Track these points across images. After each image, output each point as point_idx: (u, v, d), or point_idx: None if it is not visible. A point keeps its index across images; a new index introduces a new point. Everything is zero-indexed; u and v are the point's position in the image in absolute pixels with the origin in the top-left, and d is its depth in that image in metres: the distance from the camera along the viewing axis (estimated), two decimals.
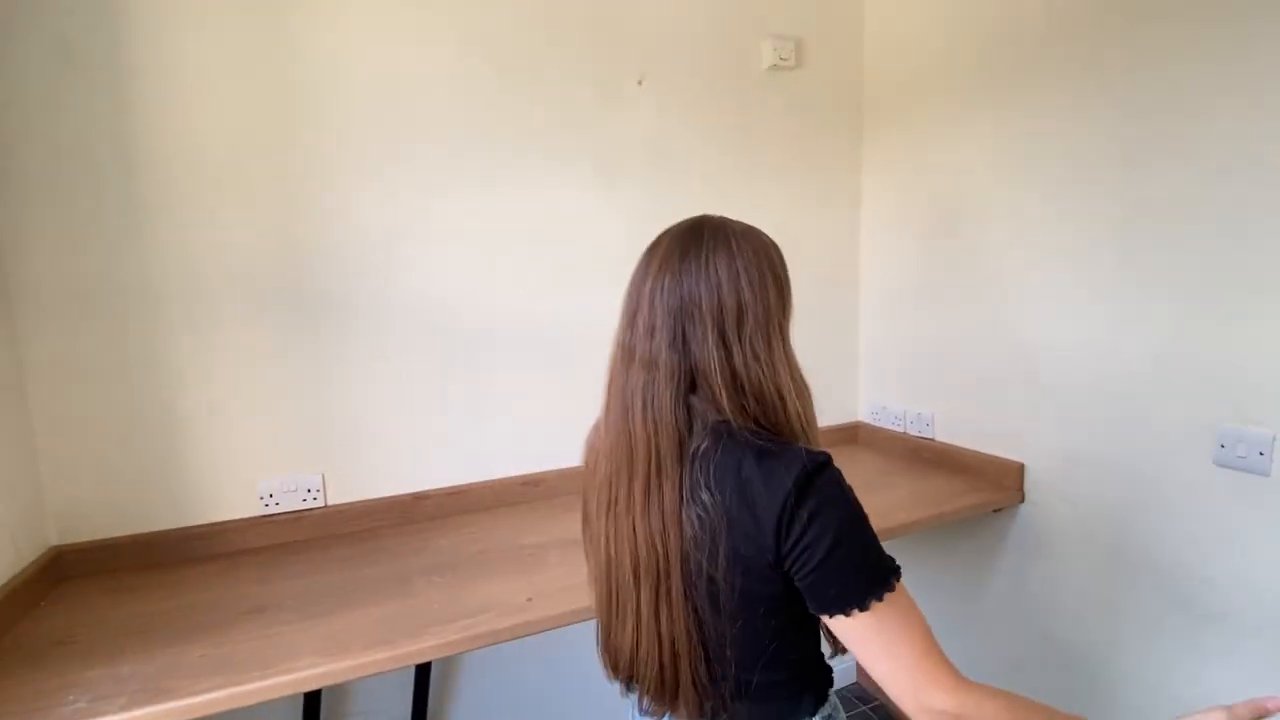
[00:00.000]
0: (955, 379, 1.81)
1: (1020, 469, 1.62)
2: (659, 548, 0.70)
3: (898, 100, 1.92)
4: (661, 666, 0.73)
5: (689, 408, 0.71)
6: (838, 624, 0.66)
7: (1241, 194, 1.15)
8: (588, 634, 1.66)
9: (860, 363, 2.16)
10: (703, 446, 0.69)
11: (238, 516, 1.40)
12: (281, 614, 1.11)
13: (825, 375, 2.11)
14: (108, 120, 1.23)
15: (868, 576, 0.65)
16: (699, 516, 0.67)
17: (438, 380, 1.56)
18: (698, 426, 0.70)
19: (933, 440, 1.88)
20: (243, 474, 1.40)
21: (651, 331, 0.72)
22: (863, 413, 2.17)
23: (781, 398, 0.73)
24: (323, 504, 1.47)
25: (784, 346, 0.77)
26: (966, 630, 1.83)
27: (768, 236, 0.80)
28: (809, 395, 0.78)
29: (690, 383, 0.71)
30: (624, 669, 0.80)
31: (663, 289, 0.72)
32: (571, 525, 1.45)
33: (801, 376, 0.78)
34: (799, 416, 0.74)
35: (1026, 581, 1.64)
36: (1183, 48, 1.22)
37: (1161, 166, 1.27)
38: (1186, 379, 1.26)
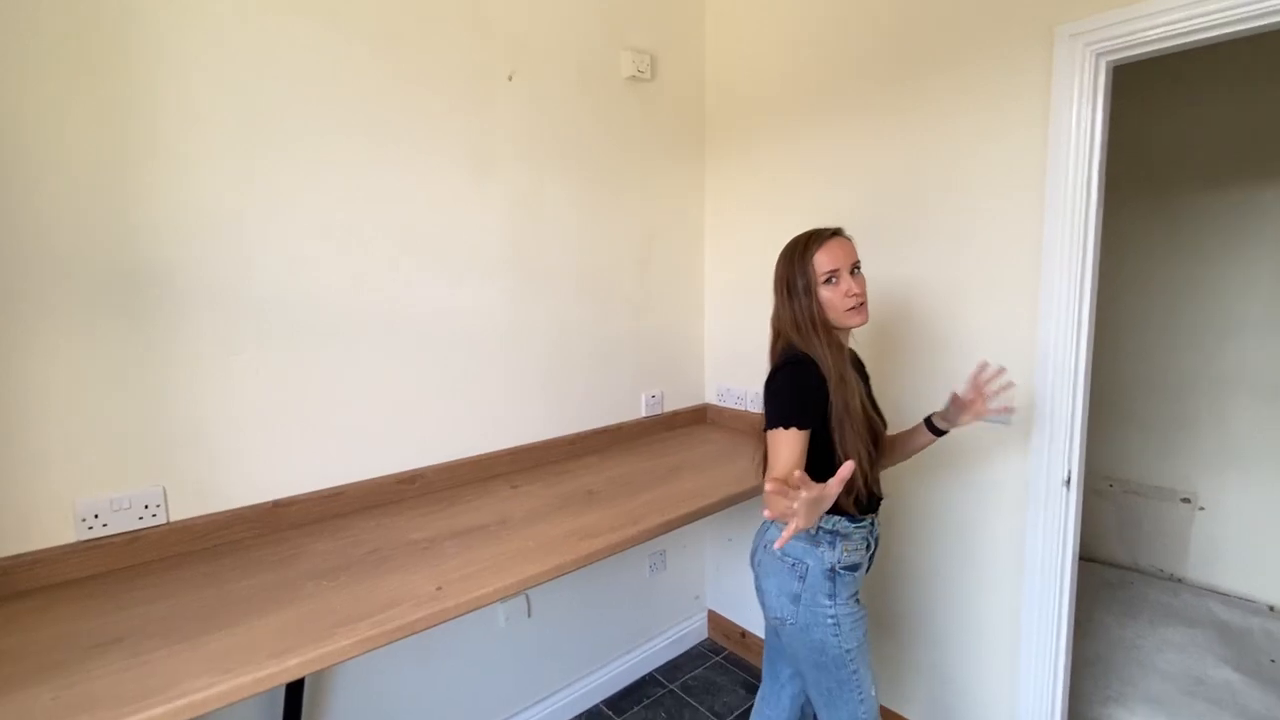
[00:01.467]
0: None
1: None
2: None
3: (733, 115, 2.18)
4: None
5: None
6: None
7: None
8: (454, 636, 1.68)
9: (706, 349, 2.40)
10: None
11: (50, 545, 1.18)
12: (145, 642, 0.98)
13: (677, 362, 2.31)
14: None
15: (770, 418, 1.17)
16: None
17: (299, 376, 1.44)
18: None
19: None
20: (56, 492, 1.18)
21: None
22: (709, 395, 2.41)
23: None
24: (164, 521, 1.29)
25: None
26: None
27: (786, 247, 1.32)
28: None
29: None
30: None
31: None
32: (459, 518, 1.47)
33: None
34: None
35: None
36: (949, 94, 1.59)
37: (924, 174, 1.64)
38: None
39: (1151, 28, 1.28)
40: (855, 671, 1.24)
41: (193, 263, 1.29)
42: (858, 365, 1.40)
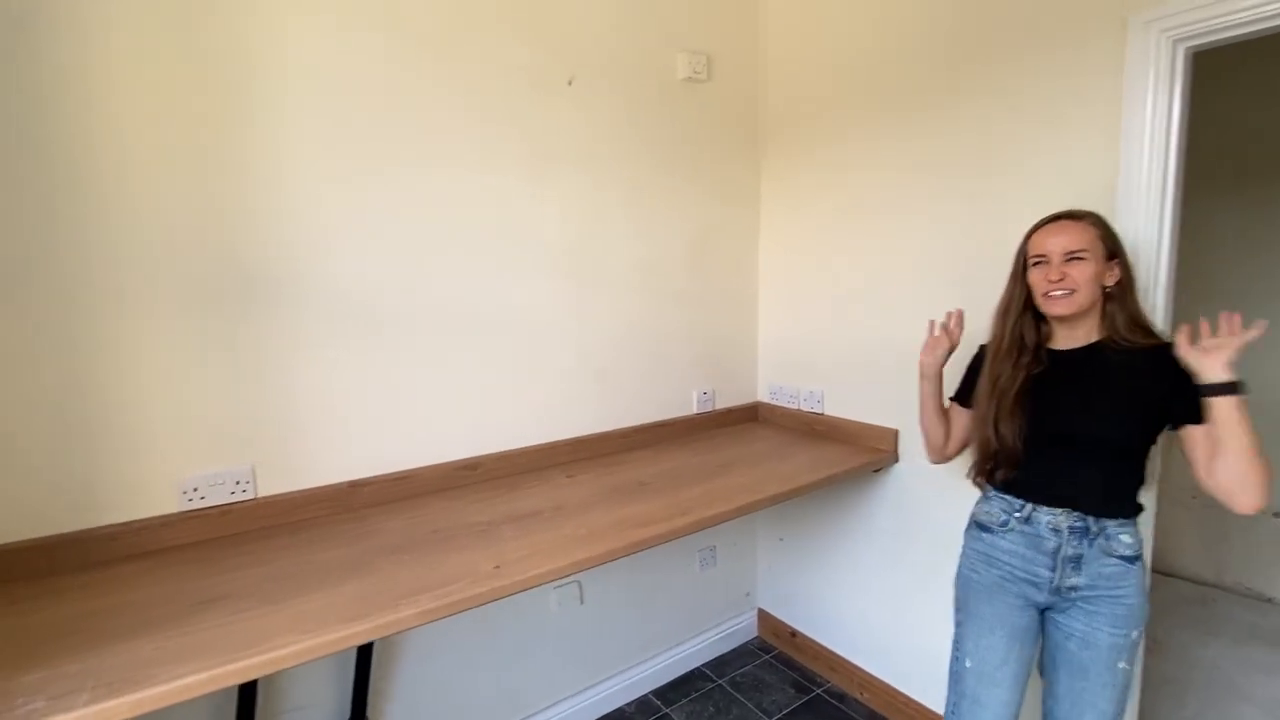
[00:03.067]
0: (841, 360, 2.09)
1: (895, 434, 1.93)
2: None
3: (790, 114, 2.18)
4: None
5: None
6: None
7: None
8: (510, 619, 1.75)
9: (759, 347, 2.40)
10: None
11: (157, 514, 1.31)
12: (239, 603, 1.08)
13: (730, 360, 2.33)
14: (18, 92, 1.11)
15: None
16: None
17: (371, 366, 1.55)
18: None
19: (823, 414, 2.16)
20: (164, 467, 1.31)
21: None
22: (761, 393, 2.42)
23: None
24: (252, 496, 1.41)
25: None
26: (857, 564, 2.12)
27: None
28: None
29: None
30: None
31: None
32: (517, 504, 1.54)
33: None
34: None
35: (905, 523, 1.95)
36: (1016, 88, 1.55)
37: (998, 178, 1.60)
38: None
39: (1234, 11, 1.22)
40: (959, 624, 1.39)
41: (283, 262, 1.41)
42: (1118, 362, 1.22)
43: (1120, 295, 1.22)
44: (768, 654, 2.39)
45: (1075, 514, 1.23)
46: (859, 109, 1.94)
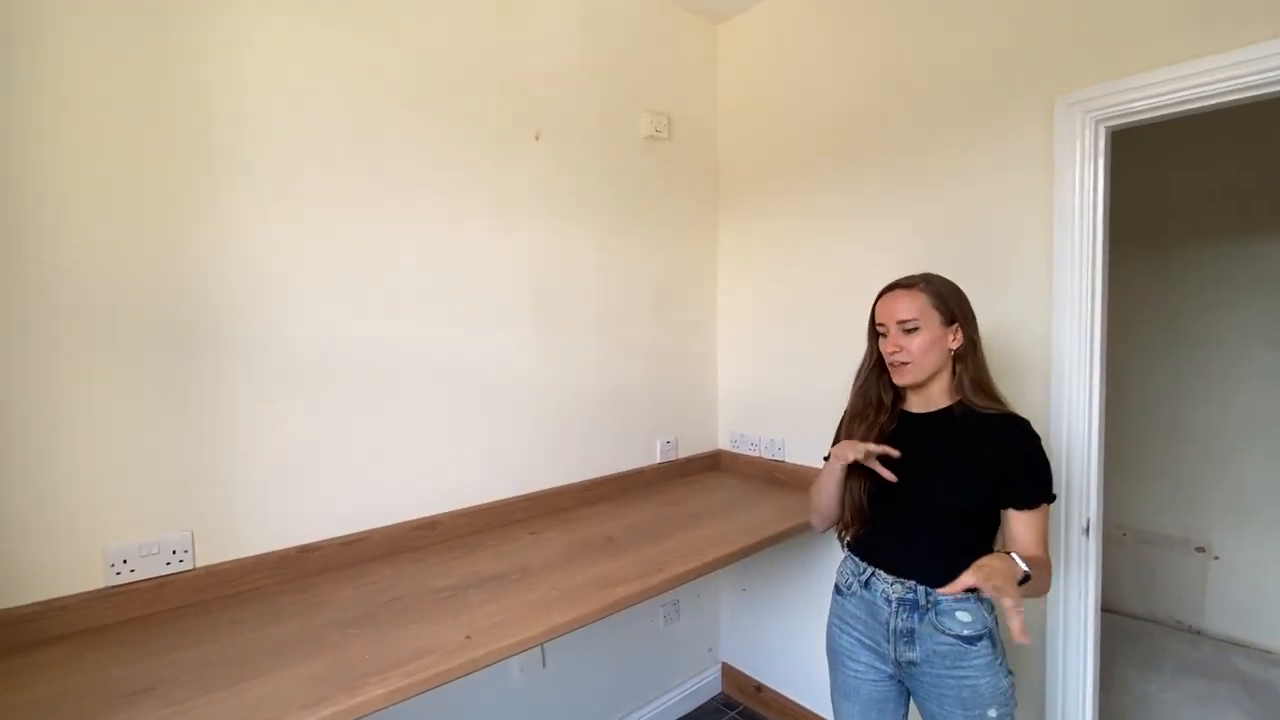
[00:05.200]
0: (799, 408, 2.14)
1: None
2: None
3: (746, 171, 2.27)
4: None
5: None
6: None
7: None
8: (467, 693, 1.65)
9: (720, 395, 2.43)
10: None
11: (81, 590, 1.18)
12: (174, 691, 0.98)
13: (692, 408, 2.34)
14: None
15: None
16: None
17: (323, 421, 1.47)
18: None
19: (783, 462, 2.19)
20: (86, 538, 1.19)
21: None
22: (723, 441, 2.43)
23: None
24: (190, 566, 1.29)
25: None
26: (823, 613, 2.11)
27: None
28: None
29: None
30: None
31: None
32: (480, 565, 1.47)
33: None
34: None
35: None
36: (958, 157, 1.67)
37: (934, 232, 1.70)
38: None
39: (1140, 99, 1.37)
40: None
41: (230, 313, 1.33)
42: (963, 428, 1.21)
43: (964, 358, 1.22)
44: (733, 710, 2.34)
45: (909, 584, 1.20)
46: (813, 171, 2.05)
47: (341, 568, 1.46)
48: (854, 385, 1.35)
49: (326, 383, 1.47)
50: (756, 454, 2.28)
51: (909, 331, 1.20)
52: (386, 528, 1.56)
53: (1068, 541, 1.53)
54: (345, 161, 1.48)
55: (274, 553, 1.39)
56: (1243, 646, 2.51)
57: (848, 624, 1.31)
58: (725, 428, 2.42)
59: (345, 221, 1.48)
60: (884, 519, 1.26)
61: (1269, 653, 2.46)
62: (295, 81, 1.40)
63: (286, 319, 1.40)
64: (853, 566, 1.33)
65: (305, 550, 1.43)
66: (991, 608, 1.21)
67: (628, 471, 2.11)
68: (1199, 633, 2.63)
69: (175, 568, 1.27)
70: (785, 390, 2.18)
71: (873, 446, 1.22)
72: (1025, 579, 1.04)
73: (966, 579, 1.01)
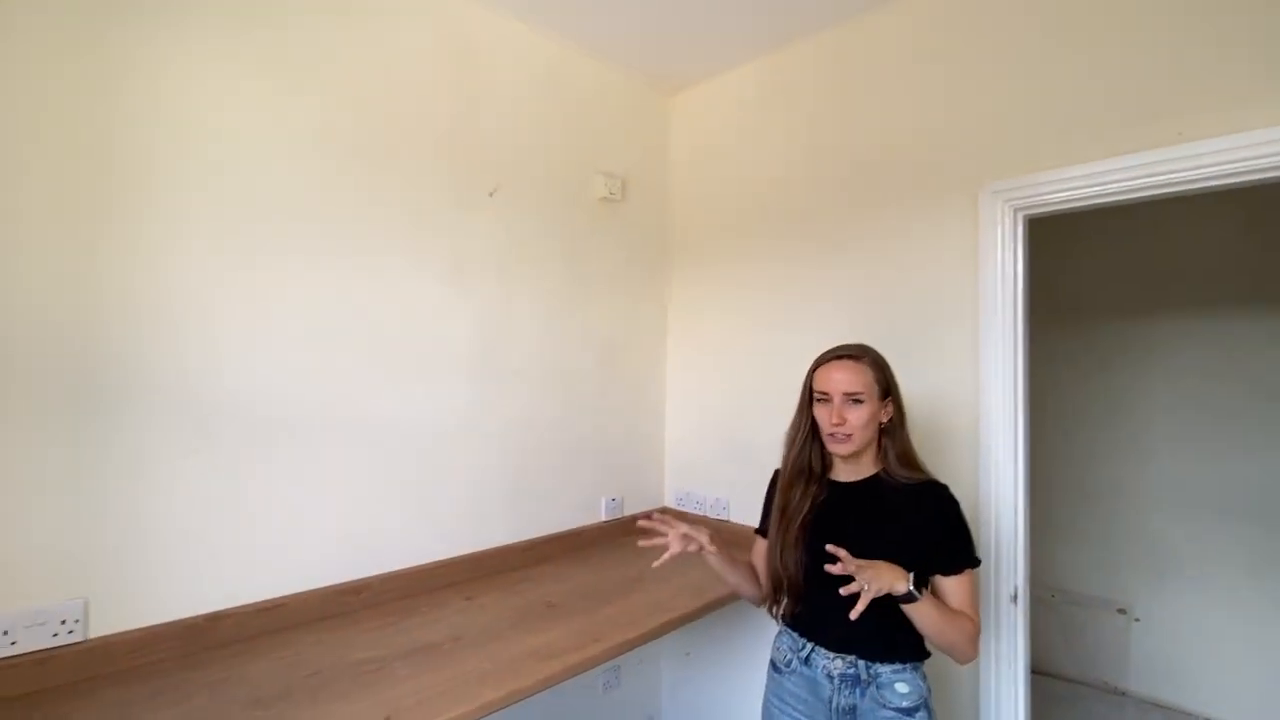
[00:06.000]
0: (743, 467, 2.15)
1: None
2: None
3: (697, 235, 2.35)
4: None
5: None
6: None
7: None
8: None
9: (667, 453, 2.43)
10: None
11: None
12: None
13: (638, 466, 2.33)
14: None
15: None
16: None
17: (245, 480, 1.39)
18: None
19: (728, 521, 2.18)
20: None
21: None
22: (669, 499, 2.42)
23: None
24: (82, 638, 1.18)
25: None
26: None
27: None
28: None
29: None
30: None
31: None
32: (411, 634, 1.40)
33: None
34: None
35: None
36: (894, 234, 1.77)
37: (870, 302, 1.79)
38: None
39: (1054, 192, 1.50)
40: None
41: (141, 363, 1.25)
42: (892, 499, 1.23)
43: (893, 431, 1.25)
44: None
45: (849, 659, 1.20)
46: (759, 237, 2.13)
47: (257, 637, 1.36)
48: (786, 451, 1.34)
49: (247, 438, 1.39)
50: (702, 513, 2.27)
51: (853, 404, 1.21)
52: (309, 592, 1.47)
53: (997, 609, 1.56)
54: (278, 206, 1.45)
55: (179, 621, 1.28)
56: (1164, 708, 2.60)
57: (787, 702, 1.29)
58: (671, 485, 2.42)
59: (275, 270, 1.44)
60: (819, 592, 1.24)
61: (1188, 714, 2.54)
62: (229, 127, 1.38)
63: (204, 370, 1.33)
64: (790, 642, 1.31)
65: (215, 619, 1.32)
66: (925, 676, 1.22)
67: (572, 530, 2.07)
68: (1124, 694, 2.71)
69: (64, 639, 1.16)
70: (731, 450, 2.20)
71: (706, 544, 1.29)
72: (909, 598, 1.08)
73: (852, 565, 1.08)
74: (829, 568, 1.10)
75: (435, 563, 1.69)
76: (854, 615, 1.04)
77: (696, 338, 2.35)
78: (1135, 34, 1.41)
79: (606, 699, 2.17)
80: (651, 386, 2.39)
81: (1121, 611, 2.74)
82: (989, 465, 1.58)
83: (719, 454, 2.25)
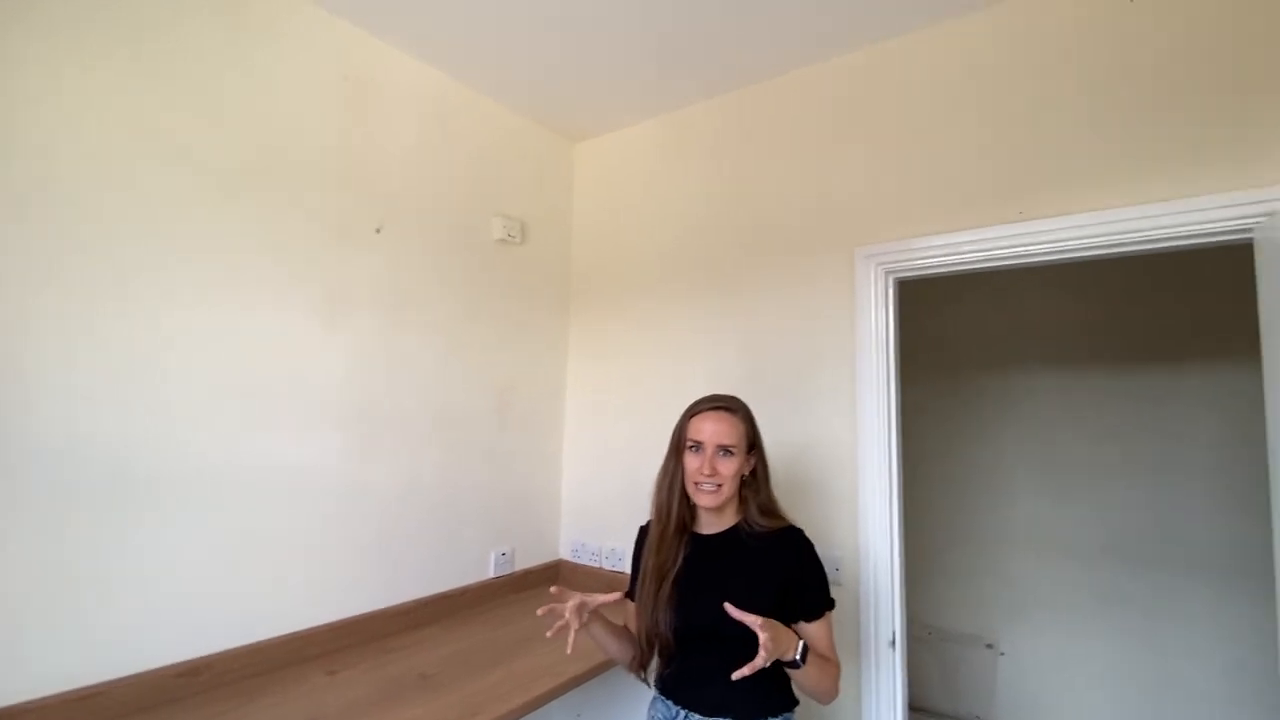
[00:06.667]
0: (641, 517, 2.12)
1: None
2: None
3: (596, 282, 2.36)
4: None
5: None
6: None
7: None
8: None
9: (563, 502, 2.36)
10: None
11: None
12: None
13: (532, 517, 2.24)
14: None
15: None
16: None
17: (55, 547, 1.19)
18: None
19: (624, 573, 2.13)
20: None
21: None
22: (564, 551, 2.34)
23: None
24: None
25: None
26: None
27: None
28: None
29: None
30: None
31: None
32: (257, 716, 1.23)
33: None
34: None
35: None
36: (780, 289, 1.86)
37: (759, 353, 1.86)
38: None
39: (918, 258, 1.64)
40: None
41: None
42: (752, 549, 1.22)
43: (754, 484, 1.26)
44: None
45: None
46: (654, 286, 2.17)
47: None
48: (656, 498, 1.30)
49: (62, 494, 1.20)
50: (597, 565, 2.21)
51: (725, 455, 1.21)
52: (136, 676, 1.27)
53: (877, 653, 1.61)
54: (127, 229, 1.31)
55: None
56: None
57: None
58: (567, 536, 2.34)
59: (113, 300, 1.28)
60: (685, 654, 1.22)
61: None
62: (65, 136, 1.24)
63: (8, 415, 1.15)
64: (664, 710, 1.26)
65: (13, 714, 1.11)
66: None
67: (456, 590, 1.94)
68: None
69: None
70: (628, 499, 2.17)
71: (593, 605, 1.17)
72: (794, 664, 1.08)
73: (755, 622, 1.03)
74: (733, 611, 1.04)
75: (294, 634, 1.52)
76: (738, 676, 1.01)
77: (595, 382, 2.33)
78: (985, 121, 1.58)
79: None
80: (549, 432, 2.33)
81: (989, 646, 2.92)
82: (866, 514, 1.65)
83: (616, 503, 2.21)
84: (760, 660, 1.01)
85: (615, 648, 1.31)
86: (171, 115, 1.36)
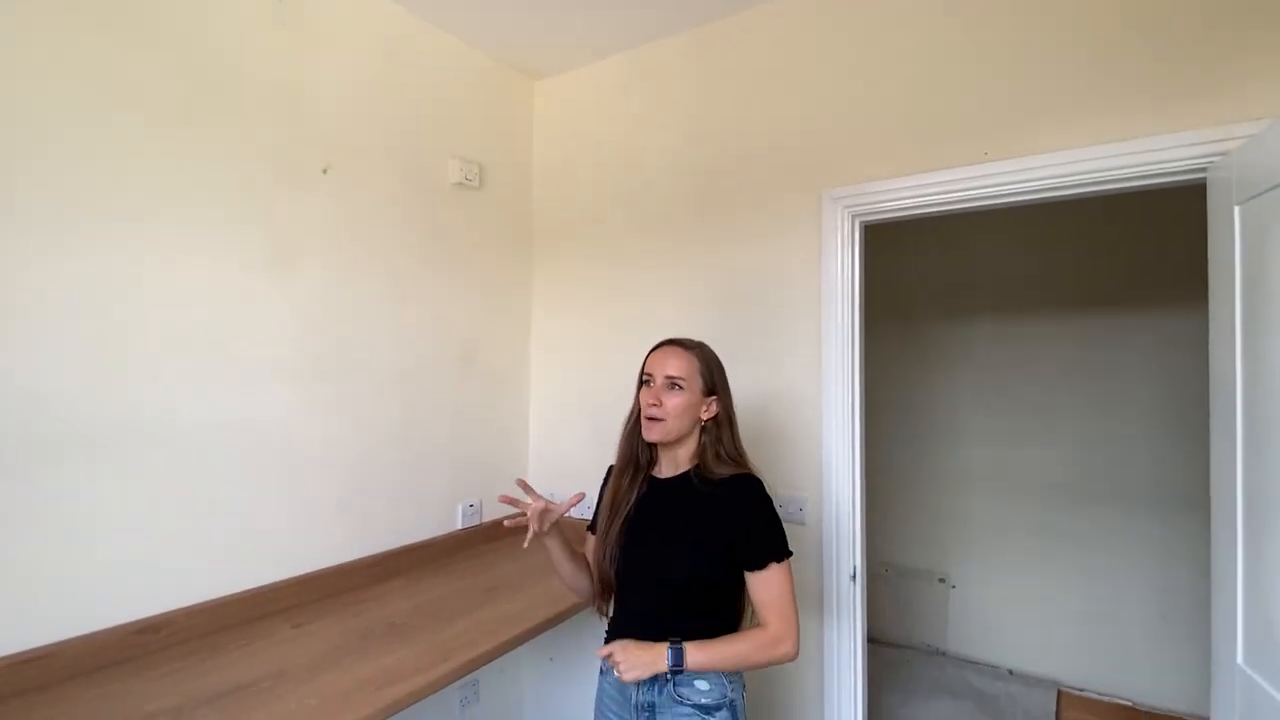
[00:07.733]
0: (605, 466, 2.13)
1: None
2: None
3: (560, 227, 2.29)
4: None
5: None
6: None
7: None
8: None
9: (530, 454, 2.35)
10: None
11: None
12: None
13: (499, 468, 2.22)
14: None
15: None
16: None
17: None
18: None
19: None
20: None
21: None
22: None
23: None
24: None
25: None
26: None
27: None
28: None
29: None
30: None
31: None
32: (220, 674, 1.22)
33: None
34: None
35: None
36: (748, 232, 1.84)
37: (727, 299, 1.85)
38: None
39: (884, 200, 1.63)
40: None
41: None
42: (703, 491, 1.19)
43: (715, 430, 1.23)
44: None
45: None
46: (621, 230, 2.13)
47: (19, 695, 1.11)
48: (622, 439, 1.30)
49: (3, 454, 1.13)
50: (567, 515, 2.22)
51: (672, 388, 1.20)
52: (90, 635, 1.22)
53: (839, 586, 1.67)
54: (61, 178, 1.20)
55: None
56: (974, 664, 2.96)
57: (604, 704, 1.26)
58: (536, 485, 2.30)
59: (48, 247, 1.19)
60: (627, 593, 1.24)
61: (993, 667, 2.92)
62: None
63: None
64: (608, 677, 1.27)
65: None
66: (735, 676, 1.18)
67: (426, 541, 1.93)
68: (944, 654, 3.05)
69: None
70: (595, 446, 2.17)
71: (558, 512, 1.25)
72: (676, 670, 1.08)
73: (603, 652, 1.13)
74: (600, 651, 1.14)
75: (256, 589, 1.49)
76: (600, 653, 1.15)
77: (559, 331, 2.29)
78: (950, 59, 1.56)
79: (465, 716, 2.06)
80: (516, 381, 2.30)
81: (941, 580, 3.08)
82: (830, 457, 1.68)
83: (583, 452, 2.21)
84: (627, 678, 1.09)
85: (569, 570, 1.32)
86: (96, 41, 1.23)
